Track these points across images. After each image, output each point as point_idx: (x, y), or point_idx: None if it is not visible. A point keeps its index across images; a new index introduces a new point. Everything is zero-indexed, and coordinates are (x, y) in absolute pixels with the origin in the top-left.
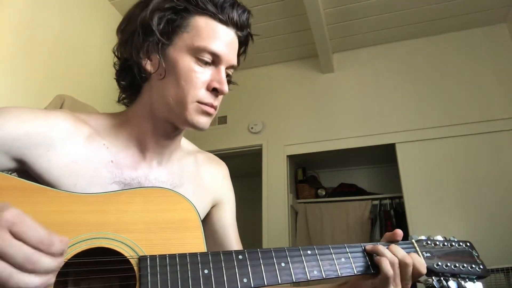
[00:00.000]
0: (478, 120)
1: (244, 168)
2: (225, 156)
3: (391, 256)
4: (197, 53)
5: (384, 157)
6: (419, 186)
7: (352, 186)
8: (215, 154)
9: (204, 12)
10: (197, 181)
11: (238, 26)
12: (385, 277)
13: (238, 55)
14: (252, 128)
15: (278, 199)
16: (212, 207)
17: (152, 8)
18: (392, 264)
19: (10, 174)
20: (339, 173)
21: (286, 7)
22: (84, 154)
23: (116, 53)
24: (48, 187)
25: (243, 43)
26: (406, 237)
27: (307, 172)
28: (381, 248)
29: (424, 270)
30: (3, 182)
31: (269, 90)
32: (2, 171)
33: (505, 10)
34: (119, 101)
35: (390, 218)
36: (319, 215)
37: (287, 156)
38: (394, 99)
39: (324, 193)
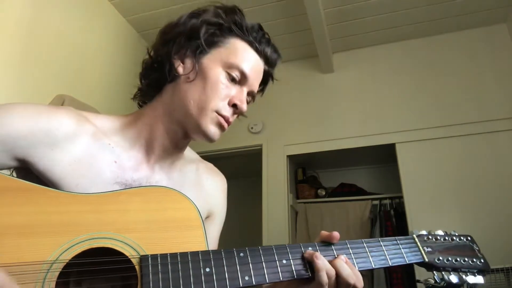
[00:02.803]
0: (478, 120)
1: (244, 168)
2: (225, 156)
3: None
4: (229, 68)
5: (384, 157)
6: (419, 186)
7: (352, 186)
8: (215, 154)
9: (244, 37)
10: (197, 189)
11: (268, 61)
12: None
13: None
14: (252, 128)
15: (278, 199)
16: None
17: (203, 19)
18: (329, 277)
19: (12, 172)
20: (339, 173)
21: (286, 7)
22: (88, 153)
23: (149, 51)
24: (48, 188)
25: (264, 81)
26: (406, 234)
27: (307, 172)
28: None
29: (352, 281)
30: (4, 183)
31: (269, 90)
32: (2, 169)
33: (505, 10)
34: (134, 98)
35: (390, 218)
36: (319, 215)
37: (287, 156)
38: (394, 99)
39: (324, 193)
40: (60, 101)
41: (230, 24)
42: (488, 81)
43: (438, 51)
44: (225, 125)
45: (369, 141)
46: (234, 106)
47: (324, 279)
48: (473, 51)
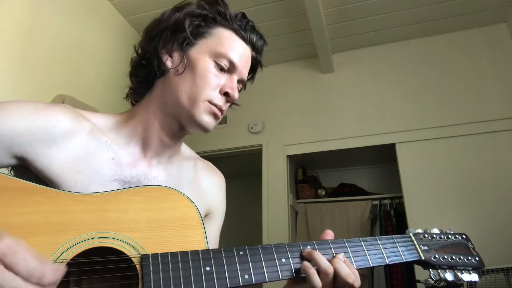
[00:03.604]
0: (478, 120)
1: (244, 168)
2: (225, 156)
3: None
4: (217, 57)
5: (384, 157)
6: (419, 186)
7: (352, 186)
8: (215, 154)
9: (230, 26)
10: (195, 186)
11: (255, 48)
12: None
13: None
14: (252, 128)
15: (278, 199)
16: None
17: (186, 11)
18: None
19: (10, 171)
20: (339, 173)
21: (286, 7)
22: (85, 151)
23: (136, 49)
24: (47, 187)
25: (253, 68)
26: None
27: (307, 172)
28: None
29: (350, 280)
30: (2, 183)
31: (269, 90)
32: (0, 168)
33: (505, 10)
34: (127, 97)
35: (390, 218)
36: (319, 215)
37: (287, 156)
38: (394, 99)
39: (324, 193)
40: (60, 101)
41: (214, 14)
42: (488, 81)
43: (438, 51)
44: (219, 113)
45: (369, 141)
46: (225, 94)
47: (314, 279)
48: (473, 51)
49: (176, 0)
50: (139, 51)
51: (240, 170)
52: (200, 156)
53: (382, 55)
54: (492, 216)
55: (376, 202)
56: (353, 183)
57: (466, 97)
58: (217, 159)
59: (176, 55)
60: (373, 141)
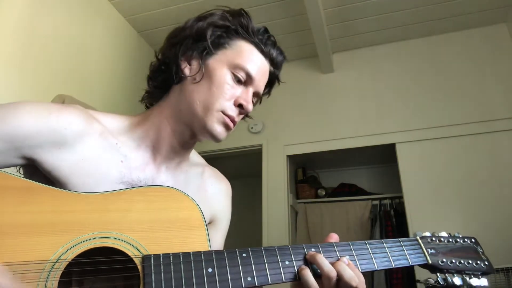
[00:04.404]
0: (478, 120)
1: (244, 168)
2: (225, 156)
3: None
4: (234, 69)
5: (384, 157)
6: (419, 186)
7: (352, 186)
8: (215, 154)
9: (250, 39)
10: (200, 193)
11: (273, 63)
12: None
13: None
14: (252, 128)
15: (278, 199)
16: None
17: (209, 22)
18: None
19: (18, 169)
20: (339, 173)
21: (286, 7)
22: (95, 153)
23: (157, 54)
24: (51, 187)
25: (270, 83)
26: (407, 236)
27: (307, 172)
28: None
29: (354, 284)
30: (7, 182)
31: None
32: (8, 167)
33: (505, 10)
34: (142, 100)
35: (390, 218)
36: (319, 215)
37: (287, 156)
38: (394, 99)
39: (324, 193)
40: (60, 101)
41: (236, 26)
42: (488, 81)
43: (438, 51)
44: (231, 124)
45: (369, 141)
46: (239, 106)
47: (308, 279)
48: (473, 51)
49: (175, 2)
50: (159, 57)
51: (240, 170)
52: (200, 156)
53: (382, 55)
54: (492, 216)
55: (376, 202)
56: (353, 183)
57: (466, 97)
58: (217, 159)
59: (194, 63)
60: (373, 141)
